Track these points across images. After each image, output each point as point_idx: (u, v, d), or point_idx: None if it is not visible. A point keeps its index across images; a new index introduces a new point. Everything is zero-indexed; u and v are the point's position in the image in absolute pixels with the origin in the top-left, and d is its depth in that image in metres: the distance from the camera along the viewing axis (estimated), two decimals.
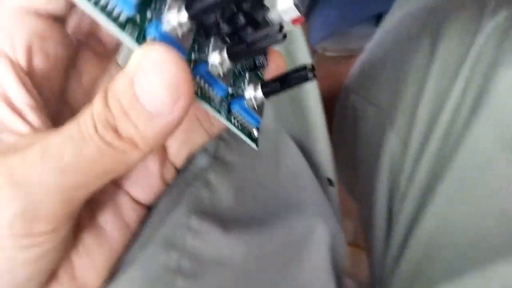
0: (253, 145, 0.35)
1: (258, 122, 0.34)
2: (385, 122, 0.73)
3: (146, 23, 0.26)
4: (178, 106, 0.28)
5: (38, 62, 0.37)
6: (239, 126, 0.34)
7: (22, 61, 0.36)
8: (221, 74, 0.31)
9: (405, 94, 0.71)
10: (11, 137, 0.33)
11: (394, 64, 0.76)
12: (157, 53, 0.27)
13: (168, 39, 0.27)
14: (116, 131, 0.28)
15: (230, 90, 0.32)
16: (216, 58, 0.30)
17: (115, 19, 0.25)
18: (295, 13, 0.30)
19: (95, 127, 0.28)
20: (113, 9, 0.24)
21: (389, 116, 0.72)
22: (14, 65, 0.36)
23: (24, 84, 0.35)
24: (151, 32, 0.26)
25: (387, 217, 0.72)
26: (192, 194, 0.42)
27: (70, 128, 0.29)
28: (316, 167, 0.67)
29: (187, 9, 0.26)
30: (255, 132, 0.35)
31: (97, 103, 0.29)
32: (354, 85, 0.89)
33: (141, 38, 0.27)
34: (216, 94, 0.31)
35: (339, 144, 0.80)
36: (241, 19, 0.30)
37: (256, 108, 0.34)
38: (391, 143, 0.71)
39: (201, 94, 0.30)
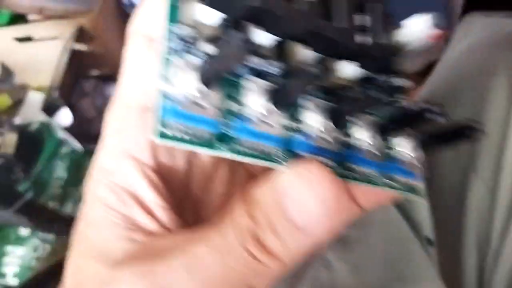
0: (421, 200, 0.35)
1: (413, 175, 0.34)
2: (467, 167, 0.70)
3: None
4: (330, 223, 0.30)
5: (163, 156, 0.39)
6: (401, 188, 0.34)
7: (149, 159, 0.37)
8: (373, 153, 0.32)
9: (486, 139, 0.68)
10: (144, 237, 0.35)
11: (467, 104, 0.74)
12: (311, 173, 0.29)
13: (316, 150, 0.30)
14: (262, 244, 0.29)
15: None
16: (366, 137, 0.32)
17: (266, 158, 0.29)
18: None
19: (242, 239, 0.29)
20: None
21: (471, 161, 0.70)
22: (142, 165, 0.37)
23: (153, 183, 0.37)
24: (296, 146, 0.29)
25: (478, 275, 0.68)
26: (312, 277, 0.44)
27: (213, 238, 0.30)
28: (415, 227, 0.66)
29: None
30: (419, 185, 0.35)
31: (239, 213, 0.30)
32: None
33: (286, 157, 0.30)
34: (369, 168, 0.33)
35: None
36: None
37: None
38: (477, 192, 0.68)
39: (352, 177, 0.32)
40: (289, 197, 0.30)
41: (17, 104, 1.69)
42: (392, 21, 0.32)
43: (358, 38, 0.30)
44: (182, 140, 0.28)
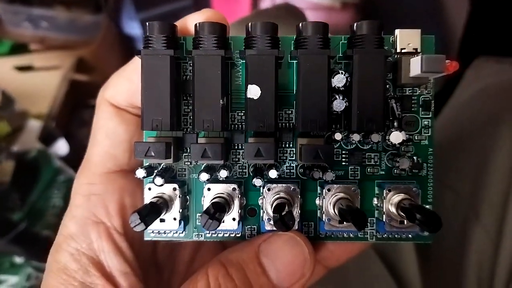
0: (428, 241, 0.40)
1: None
2: (468, 213, 0.71)
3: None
4: (301, 282, 0.36)
5: None
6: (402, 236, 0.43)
7: (117, 224, 0.41)
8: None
9: (490, 186, 0.69)
10: None
11: (473, 150, 0.75)
12: (289, 236, 0.36)
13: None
14: None
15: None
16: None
17: None
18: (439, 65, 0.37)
19: None
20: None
21: (473, 208, 0.71)
22: (110, 231, 0.40)
23: (118, 248, 0.40)
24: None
25: None
26: None
27: None
28: (400, 278, 0.70)
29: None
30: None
31: (213, 274, 0.35)
32: None
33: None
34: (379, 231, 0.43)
35: None
36: None
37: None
38: (479, 239, 0.69)
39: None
40: (267, 255, 0.36)
41: (16, 131, 1.73)
42: None
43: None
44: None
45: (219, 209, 0.36)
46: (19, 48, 1.74)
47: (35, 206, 1.53)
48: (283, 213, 0.35)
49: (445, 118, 0.92)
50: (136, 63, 0.40)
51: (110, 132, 0.42)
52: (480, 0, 1.55)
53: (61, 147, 1.66)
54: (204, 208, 0.40)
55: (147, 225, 0.34)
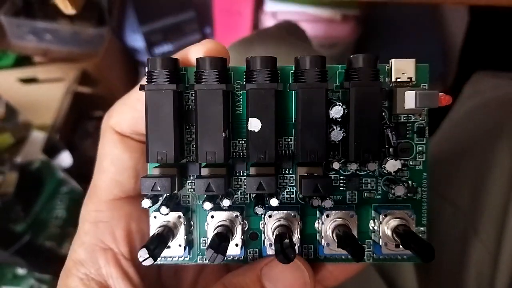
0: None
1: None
2: (467, 228, 0.72)
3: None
4: None
5: (138, 244, 0.44)
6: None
7: (124, 250, 0.43)
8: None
9: (489, 201, 0.70)
10: None
11: (472, 164, 0.76)
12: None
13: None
14: None
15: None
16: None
17: None
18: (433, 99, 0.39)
19: None
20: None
21: (472, 222, 0.72)
22: (117, 257, 0.42)
23: (126, 274, 0.42)
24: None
25: None
26: None
27: None
28: None
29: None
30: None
31: None
32: None
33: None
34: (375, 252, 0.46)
35: None
36: None
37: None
38: (477, 254, 0.70)
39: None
40: (269, 278, 0.38)
41: (20, 142, 1.74)
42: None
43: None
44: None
45: (223, 240, 0.38)
46: (23, 61, 1.76)
47: (38, 218, 1.55)
48: (284, 246, 0.37)
49: (444, 132, 0.93)
50: (138, 92, 0.42)
51: (115, 159, 0.44)
52: (480, 13, 1.56)
53: (65, 158, 1.67)
54: (208, 235, 0.42)
55: (155, 259, 0.36)
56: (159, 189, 0.39)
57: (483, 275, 0.69)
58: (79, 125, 1.80)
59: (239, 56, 0.77)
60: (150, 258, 0.36)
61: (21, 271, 1.46)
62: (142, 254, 0.36)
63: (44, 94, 1.74)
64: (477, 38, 1.59)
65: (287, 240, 0.38)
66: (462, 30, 1.60)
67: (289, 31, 0.96)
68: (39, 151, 1.65)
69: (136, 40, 1.89)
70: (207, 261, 0.45)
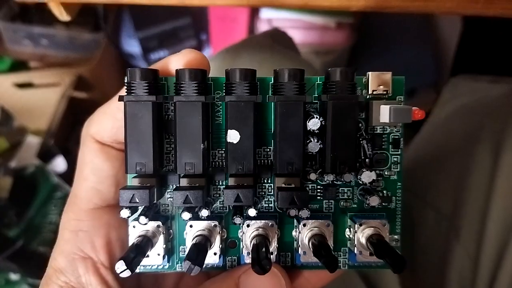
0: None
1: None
2: (449, 232, 0.73)
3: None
4: None
5: (118, 252, 0.45)
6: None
7: (104, 259, 0.43)
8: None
9: (469, 204, 0.71)
10: None
11: (452, 168, 0.77)
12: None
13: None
14: None
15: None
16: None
17: None
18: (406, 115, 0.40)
19: None
20: None
21: (453, 226, 0.73)
22: (96, 265, 0.43)
23: (105, 282, 0.43)
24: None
25: None
26: None
27: None
28: None
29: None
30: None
31: None
32: (405, 182, 0.87)
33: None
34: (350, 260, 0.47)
35: None
36: None
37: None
38: (459, 258, 0.71)
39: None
40: (246, 286, 0.39)
41: (14, 147, 1.75)
42: None
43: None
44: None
45: (201, 250, 0.39)
46: (18, 65, 1.77)
47: (32, 223, 1.55)
48: (260, 257, 0.38)
49: (424, 136, 0.94)
50: (118, 102, 0.42)
51: (95, 168, 0.44)
52: (473, 22, 1.57)
53: (59, 163, 1.68)
54: (187, 243, 0.43)
55: (132, 270, 0.37)
56: (138, 200, 0.39)
57: (465, 278, 0.70)
58: (74, 130, 1.80)
59: (225, 64, 0.78)
60: (128, 270, 0.36)
61: (14, 276, 1.46)
62: (119, 266, 0.36)
63: (40, 99, 1.75)
64: (469, 47, 1.60)
65: (263, 251, 0.39)
66: (455, 38, 1.61)
67: (275, 39, 0.97)
68: (34, 156, 1.66)
69: (132, 46, 1.90)
70: (179, 259, 0.46)
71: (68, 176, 1.66)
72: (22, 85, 1.73)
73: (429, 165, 0.84)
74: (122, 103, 0.42)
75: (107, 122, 0.44)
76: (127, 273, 0.37)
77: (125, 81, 0.42)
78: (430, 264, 0.76)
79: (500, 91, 0.85)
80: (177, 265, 0.46)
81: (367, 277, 0.73)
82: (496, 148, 0.71)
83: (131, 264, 0.37)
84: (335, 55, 1.72)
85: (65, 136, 1.76)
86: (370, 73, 0.44)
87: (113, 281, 0.44)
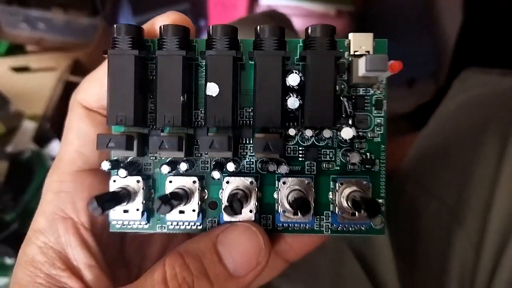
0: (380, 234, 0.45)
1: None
2: (452, 221, 0.74)
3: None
4: (257, 270, 0.39)
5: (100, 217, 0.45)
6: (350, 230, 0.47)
7: (84, 220, 0.44)
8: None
9: (473, 194, 0.72)
10: None
11: (459, 158, 0.78)
12: (244, 226, 0.40)
13: None
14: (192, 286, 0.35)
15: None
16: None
17: None
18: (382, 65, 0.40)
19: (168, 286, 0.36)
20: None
21: (457, 215, 0.73)
22: (77, 226, 0.43)
23: (85, 243, 0.43)
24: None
25: None
26: None
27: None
28: (377, 279, 0.72)
29: None
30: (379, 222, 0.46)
31: (168, 264, 0.37)
32: (412, 173, 0.89)
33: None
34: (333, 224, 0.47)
35: (391, 233, 0.79)
36: None
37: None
38: (461, 247, 0.71)
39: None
40: (224, 244, 0.38)
41: (11, 132, 1.76)
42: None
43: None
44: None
45: (174, 197, 0.39)
46: (15, 49, 1.77)
47: (28, 207, 1.54)
48: (232, 200, 0.39)
49: (432, 128, 0.95)
50: (106, 67, 0.43)
51: (80, 132, 0.45)
52: (473, 11, 1.58)
53: (55, 148, 1.68)
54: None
55: (103, 210, 0.37)
56: (114, 145, 0.40)
57: (466, 268, 0.70)
58: None
59: None
60: (99, 209, 0.37)
61: (8, 260, 1.47)
62: (91, 203, 0.37)
63: (36, 84, 1.75)
64: (470, 37, 1.60)
65: (238, 198, 0.40)
66: (456, 28, 1.61)
67: (272, 19, 0.97)
68: (30, 140, 1.66)
69: None
70: (165, 228, 0.47)
71: None
72: (18, 69, 1.73)
73: (436, 156, 0.85)
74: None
75: (93, 88, 0.45)
76: (98, 212, 0.37)
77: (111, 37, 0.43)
78: (432, 253, 0.76)
79: (510, 84, 0.85)
80: (157, 225, 0.47)
81: (362, 256, 0.74)
82: (503, 139, 0.72)
83: (103, 204, 0.38)
84: None
85: (61, 120, 1.75)
86: (351, 34, 0.44)
87: (93, 243, 0.44)
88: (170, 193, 0.41)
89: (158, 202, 0.38)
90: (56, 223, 0.43)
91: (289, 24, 1.05)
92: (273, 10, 1.12)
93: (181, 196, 0.41)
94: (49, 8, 1.75)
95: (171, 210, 0.39)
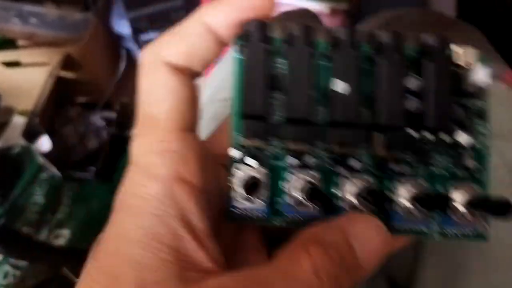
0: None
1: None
2: None
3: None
4: (379, 261, 0.36)
5: (212, 179, 0.40)
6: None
7: (198, 182, 0.37)
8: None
9: None
10: (197, 275, 0.34)
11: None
12: (374, 220, 0.37)
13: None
14: (335, 279, 0.33)
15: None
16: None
17: None
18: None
19: (319, 277, 0.33)
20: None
21: None
22: (194, 189, 0.37)
23: (204, 209, 0.37)
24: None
25: None
26: None
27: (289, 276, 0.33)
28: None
29: None
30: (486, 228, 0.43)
31: (316, 251, 0.34)
32: None
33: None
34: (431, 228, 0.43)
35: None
36: None
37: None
38: None
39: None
40: (354, 237, 0.38)
41: (1, 127, 1.72)
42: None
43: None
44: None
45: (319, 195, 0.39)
46: (6, 44, 1.74)
47: (16, 203, 1.52)
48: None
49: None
50: (192, 26, 0.39)
51: (172, 89, 0.38)
52: (466, 8, 1.62)
53: (44, 143, 1.66)
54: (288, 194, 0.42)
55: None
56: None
57: None
58: (61, 111, 1.78)
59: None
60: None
61: None
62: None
63: (27, 79, 1.72)
64: None
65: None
66: None
67: (311, 17, 0.98)
68: (20, 136, 1.64)
69: (122, 26, 1.87)
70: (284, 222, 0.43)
71: (54, 158, 1.65)
72: (9, 64, 1.71)
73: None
74: (197, 28, 0.39)
75: (181, 46, 0.39)
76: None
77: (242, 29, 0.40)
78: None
79: None
80: (277, 218, 0.42)
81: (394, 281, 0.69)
82: None
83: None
84: None
85: (51, 116, 1.74)
86: (456, 45, 0.43)
87: (209, 210, 0.38)
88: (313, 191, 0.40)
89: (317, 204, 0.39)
90: (173, 188, 0.35)
91: (319, 20, 1.06)
92: (306, 9, 1.13)
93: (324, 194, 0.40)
94: (42, 3, 1.73)
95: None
